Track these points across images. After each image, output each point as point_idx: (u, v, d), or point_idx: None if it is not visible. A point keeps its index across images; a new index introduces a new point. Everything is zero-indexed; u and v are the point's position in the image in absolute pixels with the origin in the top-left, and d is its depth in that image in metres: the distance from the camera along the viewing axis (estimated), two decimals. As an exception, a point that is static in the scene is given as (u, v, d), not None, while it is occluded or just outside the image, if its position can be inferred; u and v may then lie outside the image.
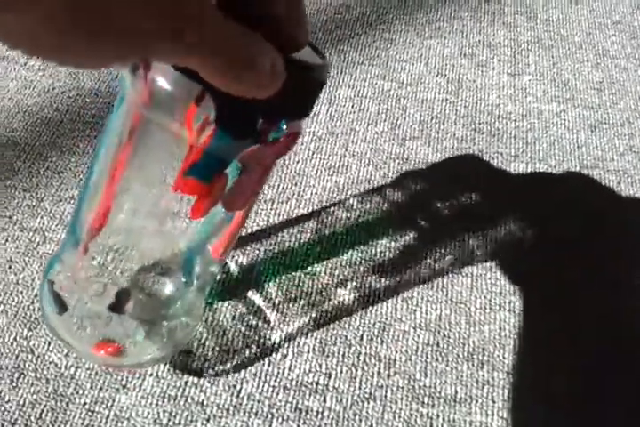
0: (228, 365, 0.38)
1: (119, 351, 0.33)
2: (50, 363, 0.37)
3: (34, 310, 0.39)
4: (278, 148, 0.26)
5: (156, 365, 0.37)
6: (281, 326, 0.40)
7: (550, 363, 0.40)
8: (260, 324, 0.40)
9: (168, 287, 0.35)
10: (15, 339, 0.38)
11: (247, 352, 0.39)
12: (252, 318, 0.40)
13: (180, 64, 0.20)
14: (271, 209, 0.46)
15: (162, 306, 0.35)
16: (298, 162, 0.50)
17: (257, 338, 0.39)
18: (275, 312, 0.40)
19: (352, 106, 0.55)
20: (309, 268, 0.43)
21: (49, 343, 0.38)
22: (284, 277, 0.42)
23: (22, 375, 0.37)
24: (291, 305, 0.41)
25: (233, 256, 0.43)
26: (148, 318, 0.35)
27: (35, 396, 0.36)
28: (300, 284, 0.42)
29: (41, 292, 0.34)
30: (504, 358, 0.40)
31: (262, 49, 0.21)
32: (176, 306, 0.35)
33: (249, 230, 0.45)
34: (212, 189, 0.26)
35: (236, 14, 0.20)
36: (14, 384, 0.36)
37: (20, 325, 0.38)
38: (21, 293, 0.40)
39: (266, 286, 0.42)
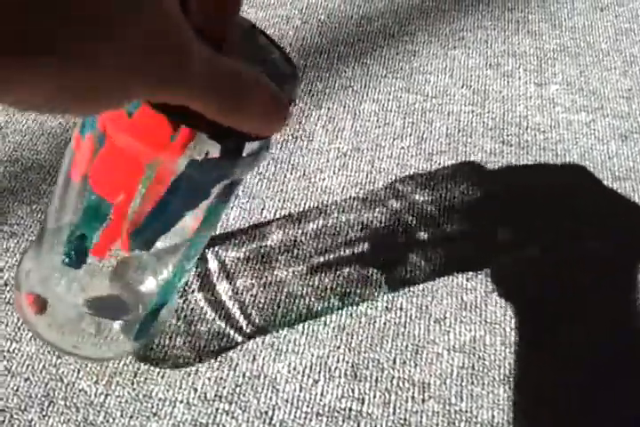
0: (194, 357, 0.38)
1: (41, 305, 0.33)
2: (79, 391, 0.37)
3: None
4: None
5: (126, 357, 0.37)
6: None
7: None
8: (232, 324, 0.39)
9: (148, 282, 0.34)
10: (44, 366, 0.38)
11: (214, 345, 0.38)
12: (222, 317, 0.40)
13: (181, 103, 0.19)
14: (298, 228, 0.45)
15: (139, 300, 0.35)
16: (324, 179, 0.49)
17: (227, 333, 0.39)
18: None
19: (377, 120, 0.54)
20: (338, 288, 0.42)
21: (78, 371, 0.37)
22: (315, 302, 0.42)
23: (52, 404, 0.36)
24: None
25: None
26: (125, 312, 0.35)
27: (65, 425, 0.36)
28: (330, 305, 0.41)
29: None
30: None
31: (263, 83, 0.21)
32: (152, 300, 0.34)
33: (278, 250, 0.44)
34: None
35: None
36: (44, 413, 0.36)
37: (48, 352, 0.38)
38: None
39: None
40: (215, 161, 0.24)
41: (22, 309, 0.34)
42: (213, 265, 0.43)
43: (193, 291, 0.41)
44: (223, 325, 0.40)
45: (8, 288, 0.40)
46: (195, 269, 0.42)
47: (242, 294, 0.42)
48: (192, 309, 0.41)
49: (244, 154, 0.24)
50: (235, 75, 0.20)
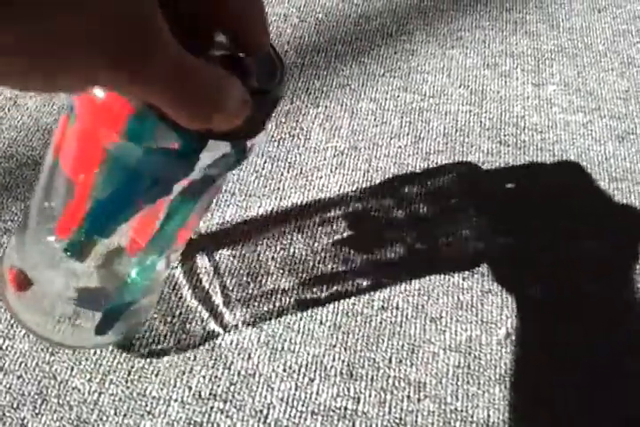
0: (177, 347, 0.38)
1: (23, 283, 0.33)
2: (73, 389, 0.37)
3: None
4: None
5: (105, 349, 0.38)
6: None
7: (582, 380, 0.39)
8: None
9: (134, 270, 0.34)
10: (37, 364, 0.37)
11: (209, 344, 0.38)
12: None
13: (143, 99, 0.19)
14: (294, 226, 0.45)
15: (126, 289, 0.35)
16: (321, 177, 0.49)
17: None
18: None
19: (374, 119, 0.54)
20: (334, 287, 0.42)
21: (72, 369, 0.37)
22: (307, 296, 0.42)
23: (45, 402, 0.36)
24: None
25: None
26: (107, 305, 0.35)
27: (58, 423, 0.35)
28: (326, 304, 0.41)
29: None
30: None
31: (229, 82, 0.20)
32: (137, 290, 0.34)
33: (273, 248, 0.44)
34: None
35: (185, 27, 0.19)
36: (37, 411, 0.36)
37: (42, 349, 0.38)
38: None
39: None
40: (169, 152, 0.23)
41: (4, 285, 0.34)
42: (207, 263, 0.42)
43: (185, 289, 0.41)
44: (217, 323, 0.40)
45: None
46: (179, 268, 0.42)
47: (236, 292, 0.41)
48: (185, 307, 0.40)
49: (208, 153, 0.24)
50: (201, 76, 0.19)
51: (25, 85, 0.18)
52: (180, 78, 0.18)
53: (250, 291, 0.41)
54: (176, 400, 0.36)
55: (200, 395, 0.37)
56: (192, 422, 0.36)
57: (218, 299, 0.41)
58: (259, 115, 0.24)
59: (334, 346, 0.39)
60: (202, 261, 0.42)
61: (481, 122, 0.54)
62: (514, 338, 0.40)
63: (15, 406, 0.36)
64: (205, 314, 0.40)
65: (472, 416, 0.37)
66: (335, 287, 0.42)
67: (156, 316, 0.39)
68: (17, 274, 0.33)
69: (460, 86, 0.57)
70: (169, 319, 0.40)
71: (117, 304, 0.33)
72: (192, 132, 0.21)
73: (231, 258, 0.43)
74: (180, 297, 0.41)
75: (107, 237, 0.29)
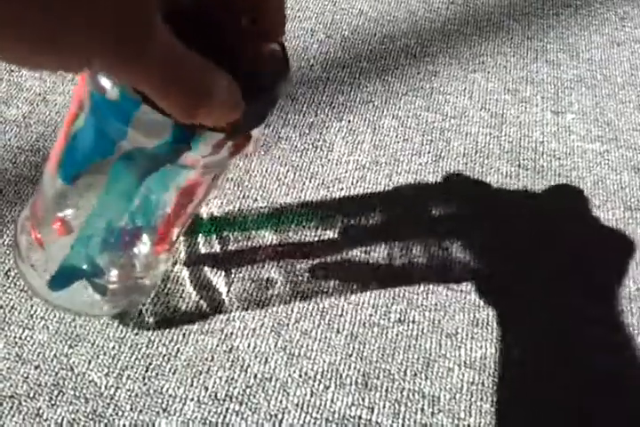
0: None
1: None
2: (90, 382, 0.37)
3: (75, 326, 0.39)
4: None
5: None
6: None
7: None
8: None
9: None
10: (55, 355, 0.37)
11: (227, 345, 0.38)
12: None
13: (138, 87, 0.19)
14: (315, 236, 0.46)
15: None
16: (342, 189, 0.49)
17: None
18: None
19: (396, 136, 0.55)
20: (352, 297, 0.42)
21: (89, 362, 0.37)
22: (326, 304, 0.42)
23: (61, 393, 0.36)
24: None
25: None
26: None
27: (73, 415, 0.35)
28: (344, 314, 0.42)
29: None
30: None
31: (218, 78, 0.20)
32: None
33: (295, 255, 0.44)
34: None
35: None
36: (53, 402, 0.36)
37: (60, 341, 0.38)
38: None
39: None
40: (113, 103, 0.23)
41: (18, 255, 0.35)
42: (228, 268, 0.43)
43: (206, 290, 0.41)
44: (236, 325, 0.40)
45: (23, 275, 0.40)
46: (201, 273, 0.42)
47: (255, 297, 0.42)
48: (204, 309, 0.41)
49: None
50: (193, 67, 0.19)
51: (23, 62, 0.18)
52: (169, 66, 0.18)
53: (268, 297, 0.42)
54: (192, 399, 0.36)
55: (216, 395, 0.37)
56: (207, 422, 0.36)
57: (237, 303, 0.41)
58: (256, 111, 0.24)
59: (350, 355, 0.40)
60: (223, 266, 0.43)
61: (500, 145, 0.55)
62: (529, 357, 0.41)
63: (32, 395, 0.36)
64: (224, 316, 0.40)
65: (483, 432, 0.37)
66: (353, 297, 0.42)
67: (175, 316, 0.40)
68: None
69: (480, 109, 0.58)
70: (188, 318, 0.40)
71: (64, 265, 0.33)
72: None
73: (251, 264, 0.43)
74: (200, 299, 0.41)
75: (68, 183, 0.29)
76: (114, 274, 0.35)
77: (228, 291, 0.41)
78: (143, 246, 0.35)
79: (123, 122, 0.23)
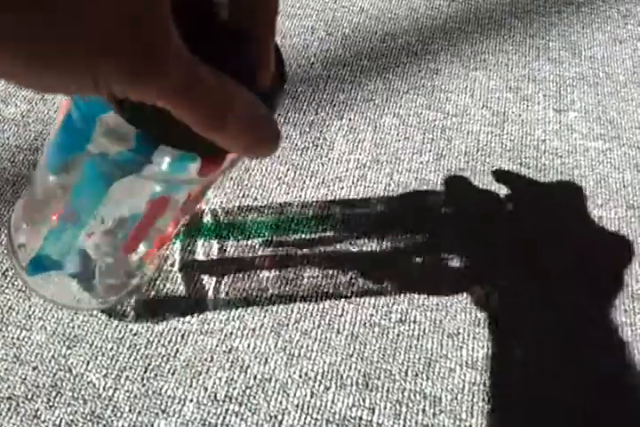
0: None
1: None
2: (88, 383, 0.36)
3: (74, 327, 0.38)
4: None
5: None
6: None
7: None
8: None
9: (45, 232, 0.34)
10: (53, 356, 0.37)
11: (226, 346, 0.38)
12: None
13: (155, 103, 0.18)
14: (315, 235, 0.45)
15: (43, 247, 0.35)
16: (342, 188, 0.49)
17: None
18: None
19: (397, 134, 0.54)
20: (353, 297, 0.42)
21: (87, 363, 0.37)
22: (326, 304, 0.42)
23: (59, 394, 0.36)
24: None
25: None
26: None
27: (71, 417, 0.35)
28: (344, 314, 0.41)
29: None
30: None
31: (239, 90, 0.19)
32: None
33: (294, 254, 0.44)
34: None
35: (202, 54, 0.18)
36: (51, 403, 0.35)
37: (58, 342, 0.38)
38: (61, 309, 0.39)
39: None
40: (84, 103, 0.23)
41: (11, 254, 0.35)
42: (228, 267, 0.42)
43: (204, 290, 0.41)
44: (235, 325, 0.40)
45: (21, 275, 0.40)
46: (198, 271, 0.42)
47: (257, 296, 0.41)
48: (203, 308, 0.40)
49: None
50: (213, 84, 0.18)
51: (28, 83, 0.17)
52: (189, 79, 0.18)
53: (267, 296, 0.41)
54: (191, 400, 0.36)
55: (216, 396, 0.36)
56: (206, 423, 0.35)
57: (237, 302, 0.41)
58: None
59: (351, 356, 0.39)
60: (221, 266, 0.42)
61: (502, 143, 0.55)
62: (532, 357, 0.41)
63: (29, 397, 0.35)
64: (224, 316, 0.40)
65: (485, 434, 0.37)
66: (353, 297, 0.42)
67: (174, 315, 0.39)
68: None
69: (482, 107, 0.58)
70: (187, 319, 0.39)
71: (39, 253, 0.33)
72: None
73: (251, 263, 0.43)
74: (199, 297, 0.40)
75: (53, 173, 0.29)
76: (97, 271, 0.35)
77: (227, 290, 0.41)
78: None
79: (89, 121, 0.23)
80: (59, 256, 0.33)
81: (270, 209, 0.46)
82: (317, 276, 0.43)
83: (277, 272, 0.43)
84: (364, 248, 0.45)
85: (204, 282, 0.41)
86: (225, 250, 0.43)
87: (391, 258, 0.45)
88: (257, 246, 0.44)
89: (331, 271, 0.43)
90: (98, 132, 0.24)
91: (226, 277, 0.42)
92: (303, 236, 0.45)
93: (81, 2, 0.15)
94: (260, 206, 0.46)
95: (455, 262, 0.45)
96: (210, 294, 0.41)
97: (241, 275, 0.42)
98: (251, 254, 0.43)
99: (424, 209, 0.48)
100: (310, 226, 0.46)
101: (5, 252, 0.37)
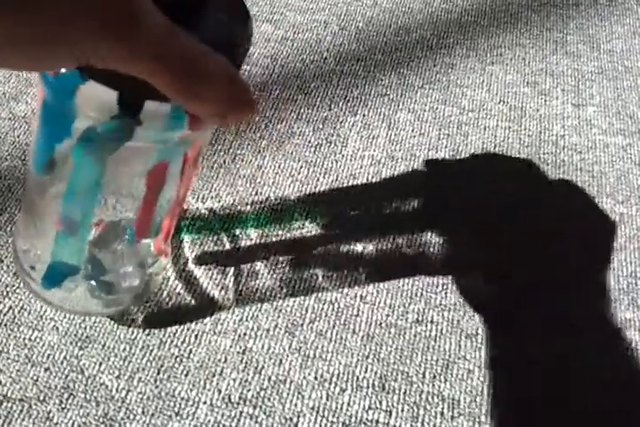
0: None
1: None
2: (100, 385, 0.36)
3: (86, 328, 0.38)
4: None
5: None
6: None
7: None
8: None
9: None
10: (65, 357, 0.37)
11: (240, 346, 0.37)
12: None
13: (132, 72, 0.18)
14: (329, 233, 0.45)
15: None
16: (357, 186, 0.48)
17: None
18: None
19: (412, 130, 0.53)
20: (368, 297, 0.41)
21: (100, 364, 0.36)
22: (344, 308, 0.41)
23: (72, 396, 0.35)
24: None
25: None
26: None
27: (84, 419, 0.34)
28: (360, 314, 0.40)
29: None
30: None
31: (212, 56, 0.20)
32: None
33: (308, 252, 0.43)
34: None
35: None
36: (63, 405, 0.35)
37: (70, 343, 0.37)
38: (73, 309, 0.38)
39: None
40: (59, 78, 0.23)
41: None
42: (240, 267, 0.42)
43: (217, 290, 0.40)
44: (249, 325, 0.39)
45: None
46: (211, 272, 0.41)
47: (271, 296, 0.41)
48: (217, 308, 0.40)
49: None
50: (190, 51, 0.19)
51: (6, 61, 0.17)
52: (161, 44, 0.18)
53: (281, 295, 0.41)
54: (205, 403, 0.36)
55: (230, 398, 0.36)
56: (220, 425, 0.35)
57: (250, 302, 0.40)
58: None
59: (367, 357, 0.39)
60: (233, 265, 0.42)
61: (520, 139, 0.54)
62: (551, 358, 0.40)
63: (41, 398, 0.35)
64: (237, 316, 0.39)
65: (505, 437, 0.36)
66: (369, 297, 0.41)
67: (188, 315, 0.39)
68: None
69: (499, 102, 0.57)
70: (200, 319, 0.39)
71: (54, 261, 0.32)
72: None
73: (264, 261, 0.42)
74: (212, 298, 0.40)
75: (39, 172, 0.29)
76: (111, 273, 0.34)
77: (241, 290, 0.40)
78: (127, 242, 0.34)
79: (68, 96, 0.23)
80: (74, 259, 0.32)
81: (283, 206, 0.45)
82: (332, 275, 0.42)
83: (291, 271, 0.42)
84: (380, 247, 0.44)
85: (215, 282, 0.41)
86: (238, 249, 0.43)
87: (407, 257, 0.44)
88: (270, 245, 0.43)
89: (346, 271, 0.42)
90: (80, 106, 0.23)
91: (239, 276, 0.41)
92: (317, 233, 0.44)
93: None
94: (273, 204, 0.46)
95: (473, 261, 0.44)
96: (221, 293, 0.40)
97: (253, 274, 0.41)
98: (263, 254, 0.43)
99: (440, 207, 0.47)
100: (324, 224, 0.45)
101: (15, 269, 0.37)
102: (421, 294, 0.42)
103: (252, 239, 0.43)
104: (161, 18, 0.18)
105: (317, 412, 0.36)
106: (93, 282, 0.34)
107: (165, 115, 0.23)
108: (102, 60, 0.18)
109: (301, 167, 0.49)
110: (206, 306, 0.39)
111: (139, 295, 0.37)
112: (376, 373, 0.38)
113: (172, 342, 0.38)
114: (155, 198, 0.30)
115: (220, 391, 0.36)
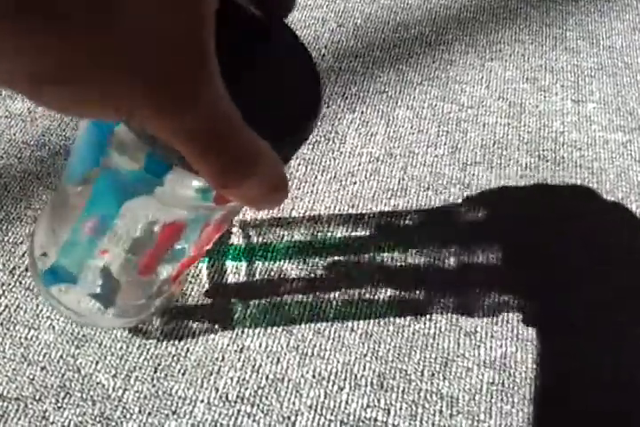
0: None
1: None
2: (97, 384, 0.36)
3: (82, 326, 0.37)
4: None
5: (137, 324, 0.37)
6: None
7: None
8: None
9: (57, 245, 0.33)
10: (62, 356, 0.36)
11: (237, 345, 0.37)
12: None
13: (170, 144, 0.16)
14: (327, 231, 0.44)
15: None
16: (355, 183, 0.48)
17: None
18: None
19: (411, 127, 0.53)
20: (367, 295, 0.41)
21: (96, 363, 0.36)
22: (342, 306, 0.41)
23: (68, 395, 0.35)
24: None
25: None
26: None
27: (80, 418, 0.34)
28: (358, 312, 0.40)
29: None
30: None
31: (264, 149, 0.17)
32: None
33: (306, 251, 0.43)
34: None
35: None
36: (59, 404, 0.35)
37: (67, 342, 0.37)
38: (70, 307, 0.38)
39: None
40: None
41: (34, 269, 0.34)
42: (239, 264, 0.42)
43: (214, 289, 0.40)
44: (247, 324, 0.39)
45: (29, 274, 0.39)
46: (211, 270, 0.41)
47: (267, 294, 0.40)
48: (214, 306, 0.39)
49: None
50: (240, 145, 0.16)
51: (43, 102, 0.16)
52: (215, 129, 0.16)
53: (280, 294, 0.41)
54: (202, 401, 0.35)
55: (227, 397, 0.36)
56: (218, 424, 0.35)
57: (247, 300, 0.40)
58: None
59: (365, 355, 0.38)
60: (234, 263, 0.42)
61: (519, 135, 0.53)
62: (551, 356, 0.39)
63: (37, 397, 0.35)
64: (235, 314, 0.39)
65: (504, 435, 0.36)
66: (367, 295, 0.41)
67: (184, 314, 0.39)
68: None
69: (498, 99, 0.56)
70: (198, 318, 0.39)
71: (56, 264, 0.32)
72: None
73: (263, 260, 0.42)
74: (210, 297, 0.40)
75: (72, 184, 0.28)
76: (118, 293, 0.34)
77: (237, 288, 0.40)
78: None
79: (102, 135, 0.22)
80: (73, 269, 0.32)
81: (282, 204, 0.45)
82: (330, 272, 0.42)
83: (290, 269, 0.42)
84: (378, 245, 0.44)
85: (212, 278, 0.40)
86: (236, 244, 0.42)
87: (406, 254, 0.44)
88: (269, 243, 0.43)
89: (343, 268, 0.42)
90: (111, 146, 0.22)
91: (237, 275, 0.41)
92: (315, 232, 0.44)
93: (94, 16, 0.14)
94: (272, 202, 0.45)
95: (472, 259, 0.44)
96: (220, 292, 0.40)
97: (250, 271, 0.41)
98: (262, 250, 0.42)
99: (438, 204, 0.47)
100: (322, 222, 0.45)
101: (27, 262, 0.36)
102: (420, 291, 0.42)
103: (250, 237, 0.43)
104: (222, 91, 0.15)
105: (315, 410, 0.36)
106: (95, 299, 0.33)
107: (191, 186, 0.22)
108: (144, 125, 0.16)
109: (299, 164, 0.48)
110: (203, 304, 0.39)
111: (148, 313, 0.36)
112: (374, 371, 0.38)
113: (168, 340, 0.37)
114: (166, 247, 0.29)
115: (217, 390, 0.36)
